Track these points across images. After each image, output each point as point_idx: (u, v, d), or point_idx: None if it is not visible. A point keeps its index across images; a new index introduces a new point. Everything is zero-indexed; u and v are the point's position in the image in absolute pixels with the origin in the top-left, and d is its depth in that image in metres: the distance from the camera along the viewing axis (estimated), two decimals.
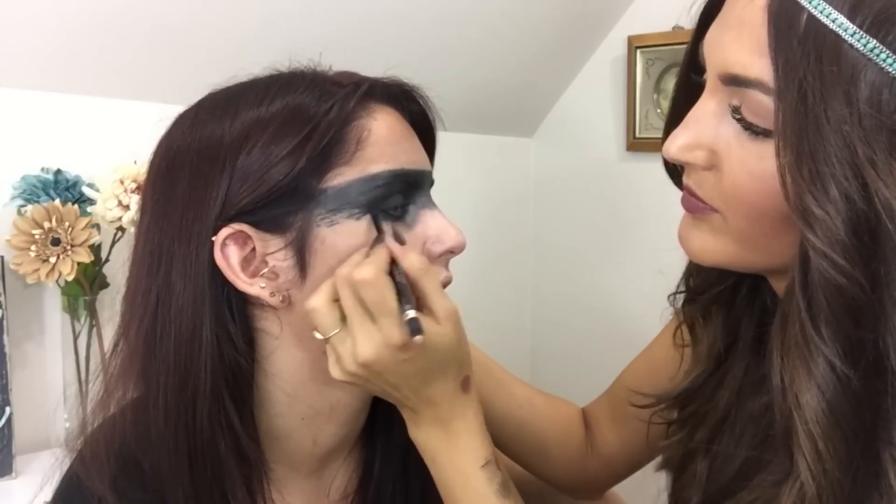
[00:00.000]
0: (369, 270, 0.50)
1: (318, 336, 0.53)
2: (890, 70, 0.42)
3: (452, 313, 0.53)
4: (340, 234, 0.53)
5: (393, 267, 0.52)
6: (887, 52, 0.42)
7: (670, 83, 1.55)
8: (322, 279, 0.54)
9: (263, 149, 0.52)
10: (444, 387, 0.55)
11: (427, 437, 0.57)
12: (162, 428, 0.53)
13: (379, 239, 0.53)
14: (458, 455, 0.57)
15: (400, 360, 0.51)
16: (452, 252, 0.59)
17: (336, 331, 0.52)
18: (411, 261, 0.52)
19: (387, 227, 0.54)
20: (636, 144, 1.62)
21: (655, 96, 1.58)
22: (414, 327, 0.49)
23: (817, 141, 0.43)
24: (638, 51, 1.58)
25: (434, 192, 0.60)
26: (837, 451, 0.44)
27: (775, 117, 0.44)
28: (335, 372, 0.53)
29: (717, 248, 0.52)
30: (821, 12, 0.43)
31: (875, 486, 0.45)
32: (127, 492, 0.54)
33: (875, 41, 0.42)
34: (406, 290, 0.51)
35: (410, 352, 0.51)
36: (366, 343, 0.51)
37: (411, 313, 0.50)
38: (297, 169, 0.52)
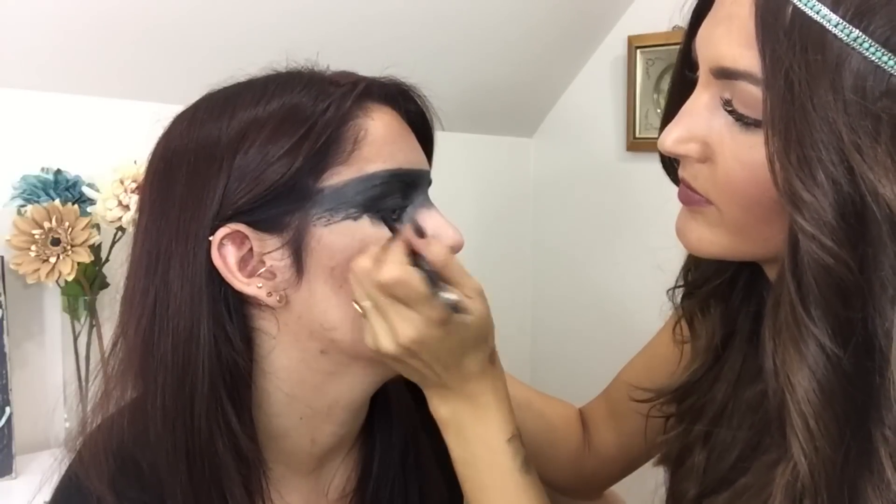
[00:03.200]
0: (394, 269, 0.51)
1: (358, 308, 0.53)
2: (873, 58, 0.43)
3: (481, 290, 0.56)
4: (337, 233, 0.54)
5: (416, 258, 0.53)
6: (870, 41, 0.43)
7: None
8: (319, 279, 0.54)
9: (260, 148, 0.52)
10: (476, 359, 0.56)
11: (454, 412, 0.58)
12: (160, 427, 0.53)
13: (394, 237, 0.54)
14: (485, 428, 0.57)
15: (440, 337, 0.53)
16: (451, 251, 0.59)
17: (368, 303, 0.52)
18: (435, 252, 0.53)
19: (405, 222, 0.55)
20: (636, 144, 1.62)
21: (655, 96, 1.58)
22: (454, 306, 0.51)
23: (804, 128, 0.44)
24: (638, 51, 1.58)
25: (433, 192, 0.61)
26: (829, 430, 0.45)
27: (763, 106, 0.46)
28: (370, 343, 0.53)
29: (713, 240, 0.53)
30: (805, 4, 0.44)
31: (866, 465, 0.45)
32: (126, 491, 0.55)
33: (858, 31, 0.43)
34: (434, 276, 0.53)
35: (450, 327, 0.53)
36: (405, 325, 0.52)
37: (450, 295, 0.52)
38: (294, 168, 0.52)
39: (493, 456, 0.57)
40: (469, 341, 0.55)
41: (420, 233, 0.54)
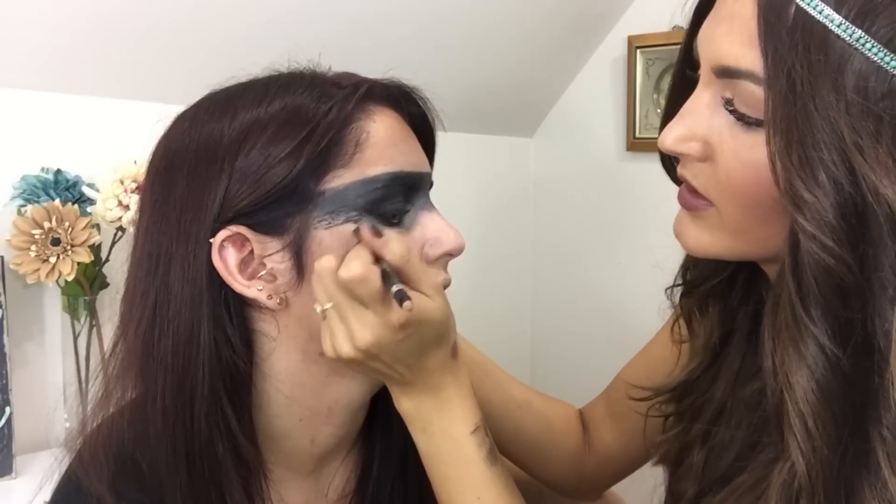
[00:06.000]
0: (356, 266, 0.50)
1: (318, 309, 0.53)
2: (875, 59, 0.43)
3: (439, 287, 0.55)
4: (338, 236, 0.53)
5: (379, 260, 0.53)
6: (872, 41, 0.43)
7: None
8: None
9: (262, 150, 0.52)
10: (437, 355, 0.56)
11: (418, 406, 0.57)
12: (160, 429, 0.53)
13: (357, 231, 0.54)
14: (449, 421, 0.57)
15: (398, 340, 0.52)
16: (451, 254, 0.59)
17: (330, 305, 0.52)
18: (393, 252, 0.52)
19: (363, 224, 0.54)
20: (636, 144, 1.62)
21: (655, 96, 1.58)
22: (400, 297, 0.50)
23: (806, 128, 0.44)
24: (638, 51, 1.58)
25: (433, 193, 0.60)
26: (826, 430, 0.45)
27: (765, 106, 0.46)
28: (328, 350, 0.53)
29: (712, 242, 0.54)
30: (808, 4, 0.44)
31: (864, 464, 0.45)
32: (125, 492, 0.54)
33: (860, 31, 0.43)
34: (389, 274, 0.52)
35: (408, 329, 0.52)
36: (362, 328, 0.51)
37: (398, 286, 0.51)
38: (296, 171, 0.52)
39: (458, 447, 0.57)
40: (429, 340, 0.55)
41: (378, 233, 0.53)
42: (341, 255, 0.52)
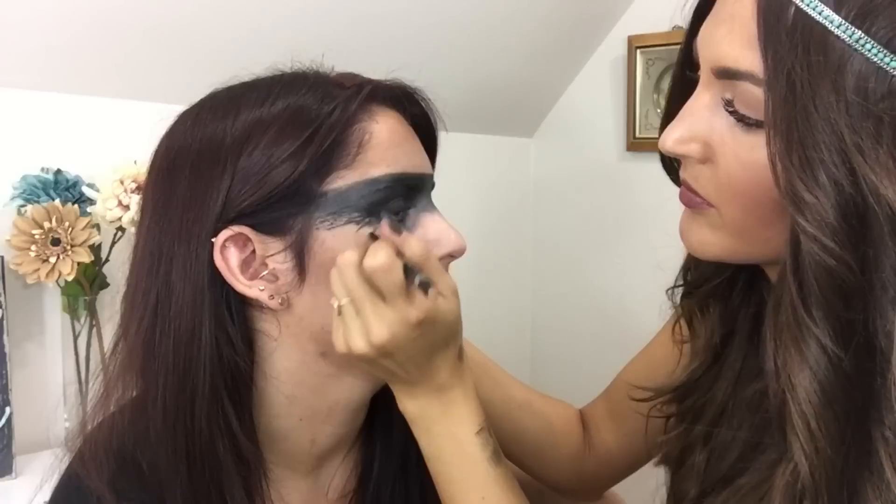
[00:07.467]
0: (383, 256, 0.50)
1: (334, 304, 0.52)
2: (875, 60, 0.43)
3: (455, 288, 0.55)
4: (340, 237, 0.54)
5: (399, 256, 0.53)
6: (872, 42, 0.43)
7: None
8: (321, 281, 0.54)
9: (265, 150, 0.52)
10: (446, 356, 0.56)
11: (423, 407, 0.57)
12: (160, 428, 0.53)
13: (374, 235, 0.54)
14: (454, 422, 0.57)
15: (413, 338, 0.53)
16: (453, 256, 0.59)
17: (347, 300, 0.52)
18: (413, 249, 0.52)
19: (385, 220, 0.54)
20: (636, 144, 1.62)
21: (655, 96, 1.58)
22: (425, 287, 0.51)
23: (806, 129, 0.44)
24: (638, 51, 1.58)
25: (434, 193, 0.61)
26: (829, 430, 0.45)
27: (765, 107, 0.46)
28: (340, 346, 0.53)
29: (714, 243, 0.54)
30: (808, 5, 0.44)
31: (866, 465, 0.45)
32: (126, 491, 0.54)
33: (860, 32, 0.43)
34: (411, 269, 0.52)
35: (424, 327, 0.52)
36: (380, 325, 0.51)
37: (421, 276, 0.51)
38: (299, 172, 0.52)
39: (462, 448, 0.57)
40: (441, 340, 0.55)
41: (397, 229, 0.54)
42: (360, 248, 0.52)
